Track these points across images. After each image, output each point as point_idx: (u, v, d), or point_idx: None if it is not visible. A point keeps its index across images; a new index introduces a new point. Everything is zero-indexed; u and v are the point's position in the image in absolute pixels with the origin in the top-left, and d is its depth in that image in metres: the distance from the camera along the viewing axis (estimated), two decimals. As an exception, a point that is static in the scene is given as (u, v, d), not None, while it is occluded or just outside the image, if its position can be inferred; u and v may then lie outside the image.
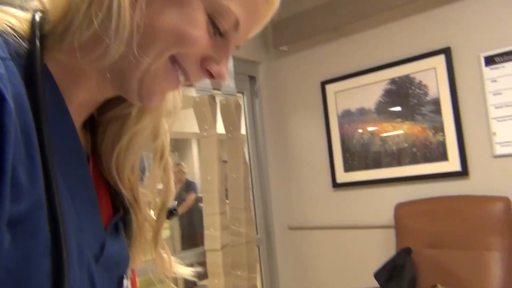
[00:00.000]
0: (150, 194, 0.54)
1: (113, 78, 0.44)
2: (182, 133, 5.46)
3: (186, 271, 0.60)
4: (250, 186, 2.97)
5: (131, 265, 0.55)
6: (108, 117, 0.51)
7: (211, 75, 0.46)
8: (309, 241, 3.10)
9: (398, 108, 2.67)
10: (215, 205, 2.53)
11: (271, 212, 3.12)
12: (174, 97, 0.54)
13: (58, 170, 0.40)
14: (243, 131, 2.98)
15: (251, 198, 2.95)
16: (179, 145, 6.50)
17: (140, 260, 0.56)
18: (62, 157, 0.42)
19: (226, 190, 2.74)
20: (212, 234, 2.55)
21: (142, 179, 0.55)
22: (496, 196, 2.25)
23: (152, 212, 0.56)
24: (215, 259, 2.55)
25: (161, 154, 0.54)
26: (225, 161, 2.78)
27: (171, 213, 0.56)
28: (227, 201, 2.76)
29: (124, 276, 0.52)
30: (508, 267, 2.12)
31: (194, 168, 6.58)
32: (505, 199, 2.21)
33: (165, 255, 0.58)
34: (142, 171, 0.56)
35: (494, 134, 2.33)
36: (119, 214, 0.51)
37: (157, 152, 0.54)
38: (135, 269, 0.57)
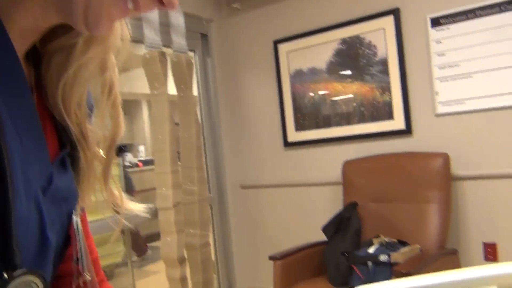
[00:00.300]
0: (98, 131, 0.53)
1: (58, 1, 0.42)
2: (132, 93, 5.31)
3: (138, 207, 0.60)
4: (203, 145, 2.97)
5: (80, 203, 0.54)
6: (53, 47, 0.49)
7: (161, 3, 0.44)
8: (260, 199, 3.17)
9: (348, 68, 2.72)
10: (166, 164, 2.52)
11: (224, 171, 3.15)
12: (123, 30, 0.52)
13: (0, 98, 0.38)
14: (195, 90, 2.94)
15: (204, 157, 2.95)
16: (129, 106, 6.33)
17: (90, 198, 0.55)
18: (3, 87, 0.40)
19: (178, 152, 2.72)
20: (164, 193, 2.54)
21: (90, 116, 0.53)
22: (437, 153, 2.38)
23: (101, 151, 0.55)
24: (167, 217, 2.56)
25: (110, 89, 0.52)
26: (177, 124, 2.74)
27: (120, 150, 0.56)
28: (179, 163, 2.75)
29: (74, 212, 0.52)
30: (444, 217, 2.28)
31: (145, 131, 6.45)
32: (444, 155, 2.34)
33: (116, 192, 0.57)
34: (90, 108, 0.54)
35: (437, 93, 2.44)
36: (65, 150, 0.50)
37: (105, 87, 0.52)
38: (85, 207, 0.56)
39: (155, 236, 4.17)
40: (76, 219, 0.52)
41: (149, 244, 4.62)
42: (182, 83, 2.73)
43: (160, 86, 2.51)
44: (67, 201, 0.50)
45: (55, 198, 0.47)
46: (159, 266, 3.80)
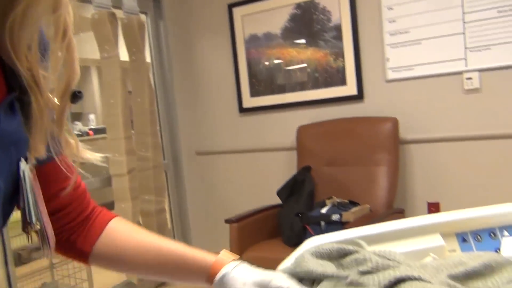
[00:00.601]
0: (51, 76, 0.51)
1: None
2: (80, 59, 5.07)
3: (95, 156, 0.59)
4: (156, 111, 2.92)
5: (34, 153, 0.52)
6: None
7: None
8: (216, 165, 3.18)
9: (302, 34, 2.73)
10: (119, 130, 2.46)
11: (178, 138, 3.12)
12: None
13: None
14: (147, 55, 2.86)
15: (158, 123, 2.91)
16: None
17: (43, 147, 0.53)
18: None
19: (132, 122, 2.66)
20: (118, 159, 2.50)
21: (43, 61, 0.51)
22: (386, 117, 2.47)
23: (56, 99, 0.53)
24: (121, 184, 2.52)
25: (64, 32, 0.50)
26: (130, 92, 2.67)
27: (75, 96, 0.54)
28: (133, 132, 2.69)
29: (22, 159, 0.50)
30: (392, 179, 2.39)
31: (95, 99, 6.23)
32: (393, 120, 2.43)
33: (72, 140, 0.56)
34: (43, 52, 0.51)
35: (388, 60, 2.50)
36: (14, 94, 0.48)
37: (58, 28, 0.49)
38: (39, 157, 0.54)
39: (109, 206, 4.10)
40: (23, 167, 0.50)
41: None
42: (134, 47, 2.65)
43: (110, 49, 2.42)
44: (17, 146, 0.49)
45: (3, 142, 0.45)
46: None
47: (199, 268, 0.66)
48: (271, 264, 0.90)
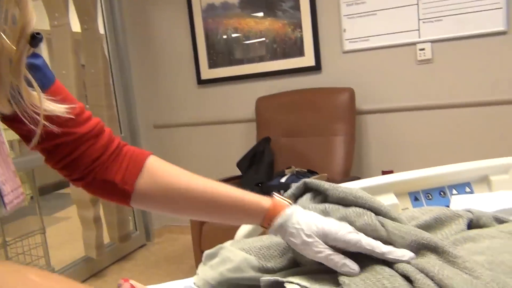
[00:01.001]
0: (2, 20, 0.48)
1: None
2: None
3: (59, 108, 0.56)
4: (111, 83, 2.83)
5: None
6: None
7: None
8: (175, 139, 3.15)
9: (260, 4, 2.70)
10: (73, 102, 2.37)
11: (135, 111, 3.05)
12: None
13: None
14: (100, 25, 2.74)
15: (113, 95, 2.83)
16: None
17: (5, 100, 0.50)
18: None
19: (86, 96, 2.57)
20: (72, 132, 2.42)
21: None
22: (343, 88, 2.51)
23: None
24: (76, 158, 2.45)
25: None
26: (83, 65, 2.57)
27: (34, 38, 0.50)
28: (87, 106, 2.61)
29: None
30: (348, 149, 2.45)
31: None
32: (350, 90, 2.48)
33: (33, 92, 0.53)
34: None
35: (344, 30, 2.53)
36: None
37: None
38: (2, 111, 0.51)
39: (64, 184, 3.99)
40: None
41: (57, 192, 4.42)
42: (86, 15, 2.54)
43: (60, 16, 2.31)
44: None
45: None
46: (69, 213, 3.67)
47: (255, 211, 0.65)
48: (231, 232, 0.91)
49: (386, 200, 0.90)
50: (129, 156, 0.67)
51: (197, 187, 0.67)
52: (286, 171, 2.31)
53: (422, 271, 0.54)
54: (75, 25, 2.51)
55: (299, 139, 2.55)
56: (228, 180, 2.54)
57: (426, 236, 0.59)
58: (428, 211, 0.74)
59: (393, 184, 0.95)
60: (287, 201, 0.65)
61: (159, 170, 0.67)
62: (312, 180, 0.73)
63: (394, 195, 0.94)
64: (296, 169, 2.29)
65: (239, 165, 2.54)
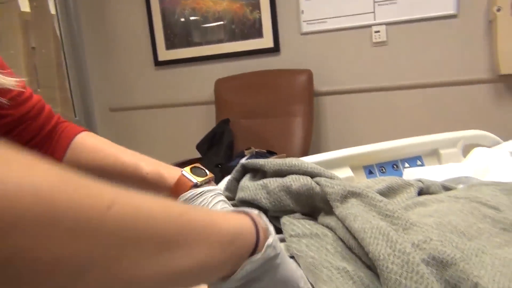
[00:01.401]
0: None
1: None
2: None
3: (8, 81, 0.54)
4: (64, 63, 2.73)
5: None
6: None
7: None
8: (132, 122, 3.08)
9: (218, -16, 2.67)
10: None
11: (90, 93, 2.96)
12: None
13: None
14: (51, 6, 2.63)
15: (66, 77, 2.73)
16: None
17: None
18: None
19: (38, 80, 2.47)
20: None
21: None
22: (301, 69, 2.53)
23: None
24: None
25: None
26: (33, 48, 2.46)
27: None
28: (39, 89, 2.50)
29: None
30: (307, 129, 2.49)
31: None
32: (308, 72, 2.51)
33: None
34: None
35: (302, 12, 2.54)
36: None
37: None
38: None
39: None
40: None
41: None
42: (34, -8, 2.42)
43: (6, -8, 2.19)
44: None
45: None
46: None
47: (157, 189, 0.64)
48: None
49: (342, 174, 0.93)
50: (59, 134, 0.66)
51: (109, 161, 0.66)
52: (246, 152, 2.32)
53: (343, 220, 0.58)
54: (25, 5, 2.39)
55: (258, 120, 2.57)
56: (188, 163, 2.52)
57: (352, 184, 0.64)
58: (381, 181, 0.77)
59: (348, 158, 0.98)
60: (194, 181, 0.64)
61: (84, 146, 0.67)
62: (248, 161, 0.76)
63: (349, 169, 0.97)
64: (256, 150, 2.31)
65: (199, 147, 2.53)
